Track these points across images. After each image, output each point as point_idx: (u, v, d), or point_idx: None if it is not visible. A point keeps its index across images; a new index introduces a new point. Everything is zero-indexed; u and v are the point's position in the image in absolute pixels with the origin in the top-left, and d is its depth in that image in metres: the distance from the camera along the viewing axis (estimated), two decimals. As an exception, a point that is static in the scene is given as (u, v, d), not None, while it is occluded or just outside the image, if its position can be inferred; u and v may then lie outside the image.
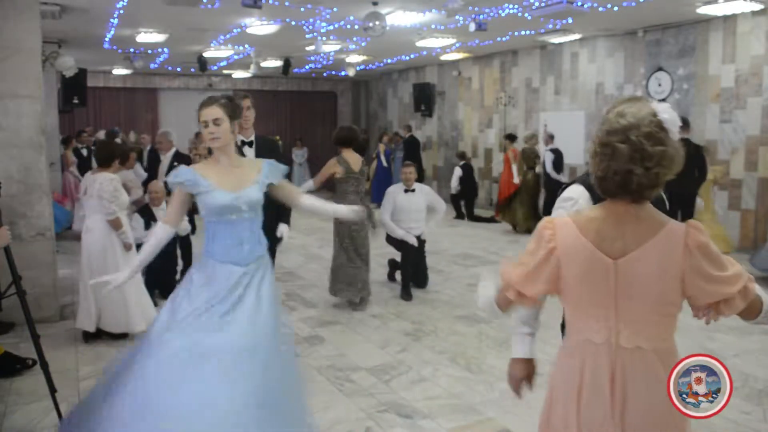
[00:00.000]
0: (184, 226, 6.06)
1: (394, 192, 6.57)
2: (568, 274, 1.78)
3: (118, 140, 9.88)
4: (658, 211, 1.76)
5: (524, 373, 2.11)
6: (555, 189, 9.93)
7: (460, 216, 12.05)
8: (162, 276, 6.25)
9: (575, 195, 2.26)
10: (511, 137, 11.79)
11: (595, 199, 2.10)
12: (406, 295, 6.41)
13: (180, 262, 7.05)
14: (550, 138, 10.50)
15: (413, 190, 6.53)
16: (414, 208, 6.51)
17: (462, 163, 12.05)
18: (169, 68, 14.73)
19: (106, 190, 4.97)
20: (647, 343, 1.73)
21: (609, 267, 1.72)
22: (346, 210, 3.48)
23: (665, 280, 1.69)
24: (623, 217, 1.73)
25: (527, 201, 10.48)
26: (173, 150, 6.99)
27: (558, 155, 10.22)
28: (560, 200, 2.27)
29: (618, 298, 1.73)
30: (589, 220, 1.78)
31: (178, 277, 6.92)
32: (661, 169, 1.68)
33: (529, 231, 10.22)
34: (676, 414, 1.71)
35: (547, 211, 9.70)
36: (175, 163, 6.86)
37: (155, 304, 6.12)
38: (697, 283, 1.68)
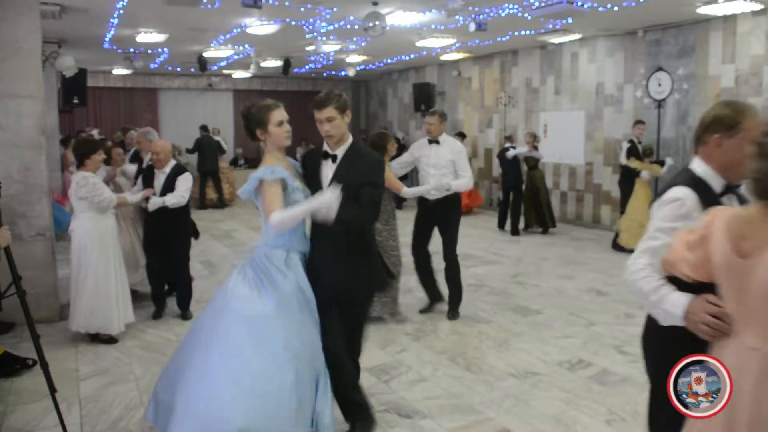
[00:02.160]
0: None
1: (417, 145, 5.84)
2: (714, 265, 1.81)
3: (109, 142, 9.93)
4: None
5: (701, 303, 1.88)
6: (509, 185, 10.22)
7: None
8: (170, 272, 6.07)
9: (682, 196, 2.15)
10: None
11: (703, 200, 2.08)
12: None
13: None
14: (507, 139, 10.74)
15: (437, 142, 5.62)
16: (433, 162, 5.57)
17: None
18: (169, 68, 14.74)
19: (86, 190, 4.89)
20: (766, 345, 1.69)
21: (736, 265, 1.72)
22: (326, 198, 2.92)
23: None
24: (764, 219, 1.71)
25: (534, 198, 10.35)
26: None
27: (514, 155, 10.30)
28: (666, 201, 2.17)
29: (742, 298, 1.73)
30: (736, 218, 1.78)
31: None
32: None
33: (540, 226, 10.24)
34: None
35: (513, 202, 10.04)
36: None
37: (159, 298, 6.02)
38: None
